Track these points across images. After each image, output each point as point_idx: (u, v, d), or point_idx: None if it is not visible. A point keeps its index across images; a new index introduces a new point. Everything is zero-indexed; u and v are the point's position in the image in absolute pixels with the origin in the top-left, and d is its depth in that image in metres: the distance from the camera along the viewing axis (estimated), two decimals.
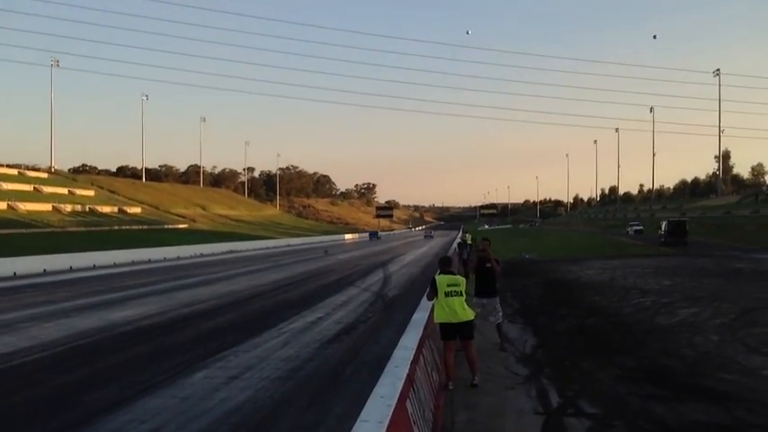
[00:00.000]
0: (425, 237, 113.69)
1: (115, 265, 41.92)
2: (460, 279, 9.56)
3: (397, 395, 5.36)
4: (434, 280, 9.49)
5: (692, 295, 19.97)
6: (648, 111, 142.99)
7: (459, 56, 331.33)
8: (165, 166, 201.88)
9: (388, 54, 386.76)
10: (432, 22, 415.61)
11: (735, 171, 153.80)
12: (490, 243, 12.70)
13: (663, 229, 60.09)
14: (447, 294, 9.26)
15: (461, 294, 9.34)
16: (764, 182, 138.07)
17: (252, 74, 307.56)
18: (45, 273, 35.68)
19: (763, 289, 21.61)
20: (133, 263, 44.75)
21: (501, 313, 12.48)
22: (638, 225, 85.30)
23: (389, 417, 4.77)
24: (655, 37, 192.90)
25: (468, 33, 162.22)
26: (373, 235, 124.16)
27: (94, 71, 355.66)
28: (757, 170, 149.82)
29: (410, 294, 21.98)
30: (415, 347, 7.47)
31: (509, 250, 51.13)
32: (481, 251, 12.39)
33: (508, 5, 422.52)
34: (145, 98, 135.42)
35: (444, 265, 10.10)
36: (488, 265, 12.12)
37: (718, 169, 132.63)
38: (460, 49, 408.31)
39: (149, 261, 46.92)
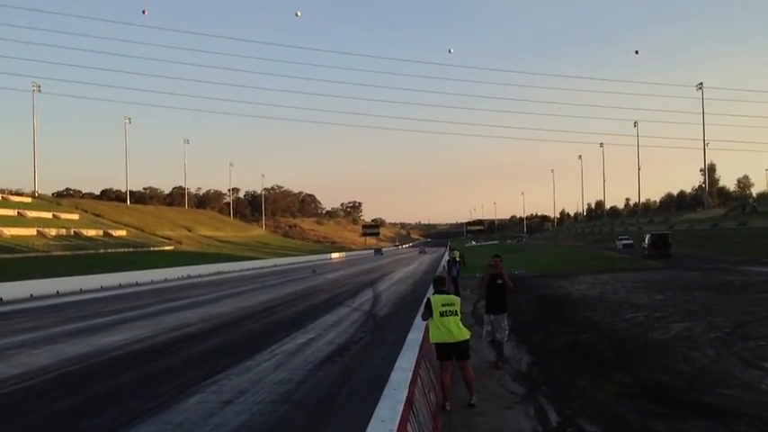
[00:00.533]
0: (420, 252, 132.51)
1: (102, 289, 41.56)
2: (455, 298, 9.50)
3: (398, 419, 5.28)
4: (429, 300, 9.42)
5: (685, 309, 19.99)
6: (633, 125, 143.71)
7: (444, 74, 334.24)
8: (150, 188, 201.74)
9: (373, 73, 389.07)
10: (416, 40, 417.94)
11: (720, 184, 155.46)
12: (502, 259, 12.65)
13: (646, 242, 62.49)
14: (442, 314, 9.18)
15: (456, 314, 9.26)
16: (751, 194, 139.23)
17: (235, 95, 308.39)
18: (32, 298, 35.29)
19: (755, 302, 21.65)
20: (120, 286, 44.38)
21: (507, 331, 12.39)
22: (627, 239, 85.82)
23: None
24: (637, 52, 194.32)
25: (450, 52, 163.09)
26: (378, 252, 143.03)
27: (77, 95, 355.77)
28: (743, 182, 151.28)
29: (401, 313, 21.93)
30: (413, 368, 7.39)
31: None
32: (492, 267, 12.34)
33: (491, 23, 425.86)
34: (128, 121, 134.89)
35: (438, 284, 10.05)
36: (500, 281, 12.14)
37: (704, 182, 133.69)
38: (445, 67, 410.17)
39: (136, 284, 46.50)
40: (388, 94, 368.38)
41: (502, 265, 12.40)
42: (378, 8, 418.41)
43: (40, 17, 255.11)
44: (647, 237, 63.61)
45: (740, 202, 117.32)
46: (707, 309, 19.84)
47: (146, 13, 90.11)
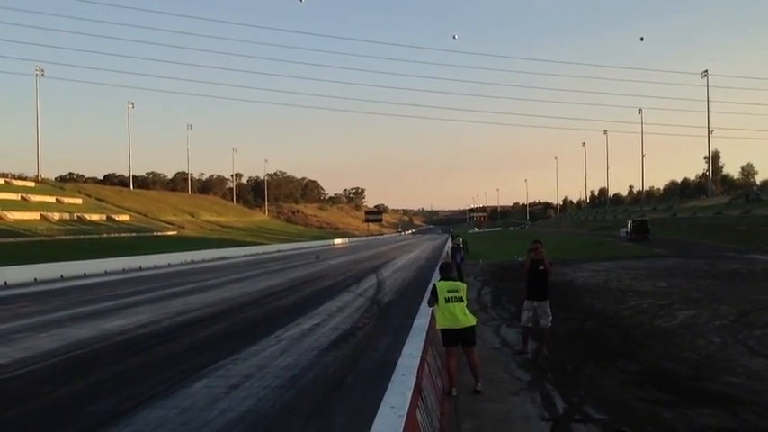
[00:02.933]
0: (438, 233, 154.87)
1: (106, 274, 41.52)
2: (461, 285, 9.50)
3: (408, 405, 5.28)
4: (435, 286, 9.43)
5: (690, 297, 19.99)
6: (637, 113, 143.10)
7: (448, 60, 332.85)
8: (153, 173, 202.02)
9: (375, 59, 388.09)
10: (419, 26, 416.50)
11: (724, 171, 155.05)
12: (542, 244, 12.57)
13: (628, 227, 72.28)
14: (447, 300, 9.20)
15: (462, 300, 9.28)
16: (755, 182, 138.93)
17: (238, 81, 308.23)
18: (36, 282, 35.33)
19: (759, 290, 21.65)
20: (124, 271, 44.37)
21: (551, 317, 12.31)
22: None
23: (401, 428, 4.68)
24: (642, 39, 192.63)
25: (454, 38, 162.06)
26: (418, 232, 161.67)
27: (80, 80, 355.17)
28: (747, 170, 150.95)
29: (405, 299, 21.92)
30: (420, 355, 7.39)
31: (501, 253, 51.20)
32: (533, 252, 12.27)
33: (495, 10, 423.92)
34: (131, 106, 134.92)
35: (445, 271, 10.05)
36: (541, 267, 12.08)
37: (708, 170, 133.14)
38: (449, 53, 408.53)
39: (140, 269, 46.50)
40: (392, 80, 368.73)
41: (543, 250, 12.30)
42: None
43: (44, 1, 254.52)
44: (629, 222, 74.75)
45: (744, 190, 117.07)
46: (711, 297, 19.84)
47: None
